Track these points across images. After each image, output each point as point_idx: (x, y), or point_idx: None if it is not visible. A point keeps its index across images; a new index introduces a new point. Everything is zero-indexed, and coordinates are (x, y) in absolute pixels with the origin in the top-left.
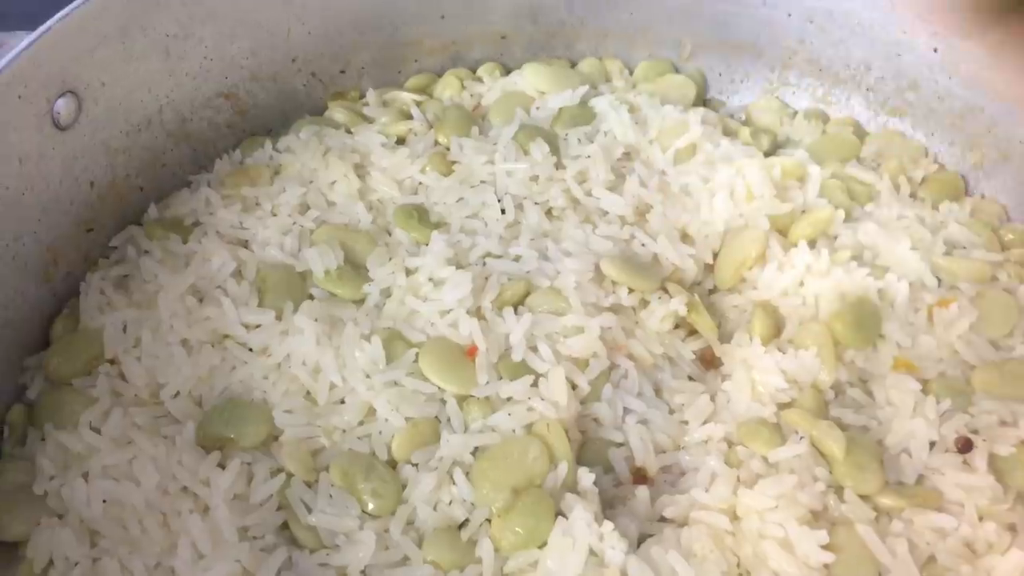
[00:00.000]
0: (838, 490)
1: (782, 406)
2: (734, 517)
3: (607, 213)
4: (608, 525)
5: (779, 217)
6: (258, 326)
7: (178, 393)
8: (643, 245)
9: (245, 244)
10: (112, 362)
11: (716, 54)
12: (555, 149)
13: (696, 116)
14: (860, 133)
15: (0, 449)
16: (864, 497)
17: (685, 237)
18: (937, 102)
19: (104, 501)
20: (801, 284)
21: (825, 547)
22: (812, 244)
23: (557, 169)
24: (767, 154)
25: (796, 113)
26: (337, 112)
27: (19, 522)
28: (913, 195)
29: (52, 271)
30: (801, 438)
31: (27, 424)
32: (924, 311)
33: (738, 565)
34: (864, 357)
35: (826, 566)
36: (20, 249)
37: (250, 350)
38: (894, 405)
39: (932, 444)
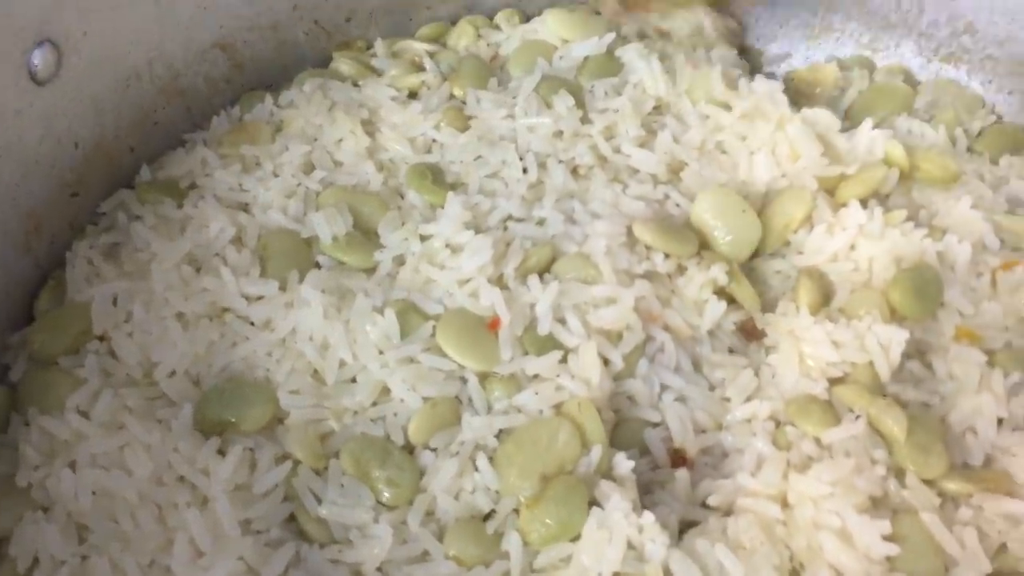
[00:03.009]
0: (899, 474)
1: (834, 382)
2: (785, 505)
3: (638, 171)
4: (648, 516)
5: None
6: (260, 298)
7: (173, 372)
8: (678, 206)
9: (245, 208)
10: (102, 339)
11: None
12: (580, 102)
13: (731, 66)
14: (911, 82)
15: None
16: (928, 482)
17: None
18: (996, 48)
19: (93, 493)
20: (852, 248)
21: (887, 538)
22: (864, 204)
23: (583, 124)
24: (809, 106)
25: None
26: (343, 64)
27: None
28: (970, 149)
29: (34, 240)
30: (857, 417)
31: (9, 409)
32: (987, 275)
33: (791, 559)
34: (923, 327)
35: (889, 559)
36: None
37: (252, 324)
38: (957, 379)
39: (1000, 421)
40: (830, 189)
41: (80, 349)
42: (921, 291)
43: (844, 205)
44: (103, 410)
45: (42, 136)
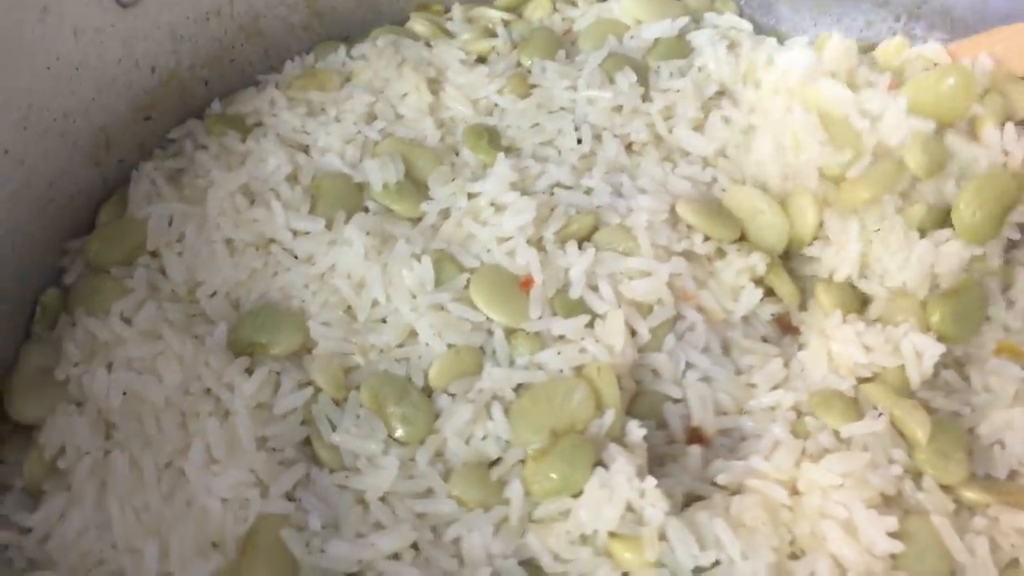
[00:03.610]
0: (916, 477)
1: (863, 381)
2: (794, 492)
3: (690, 153)
4: (651, 481)
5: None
6: (306, 233)
7: (215, 293)
8: (724, 191)
9: (305, 149)
10: (154, 255)
11: None
12: (643, 80)
13: (793, 55)
14: None
15: (29, 331)
16: (946, 488)
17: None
18: None
19: (124, 394)
20: (875, 258)
21: (893, 535)
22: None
23: (643, 102)
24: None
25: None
26: (418, 24)
27: (35, 406)
28: None
29: (104, 155)
30: (880, 415)
31: (60, 309)
32: None
33: (792, 543)
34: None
35: (892, 556)
36: (69, 126)
37: (295, 257)
38: (992, 392)
39: None
40: (837, 178)
41: (132, 262)
42: (960, 315)
43: (854, 211)
44: (145, 319)
45: (120, 57)
